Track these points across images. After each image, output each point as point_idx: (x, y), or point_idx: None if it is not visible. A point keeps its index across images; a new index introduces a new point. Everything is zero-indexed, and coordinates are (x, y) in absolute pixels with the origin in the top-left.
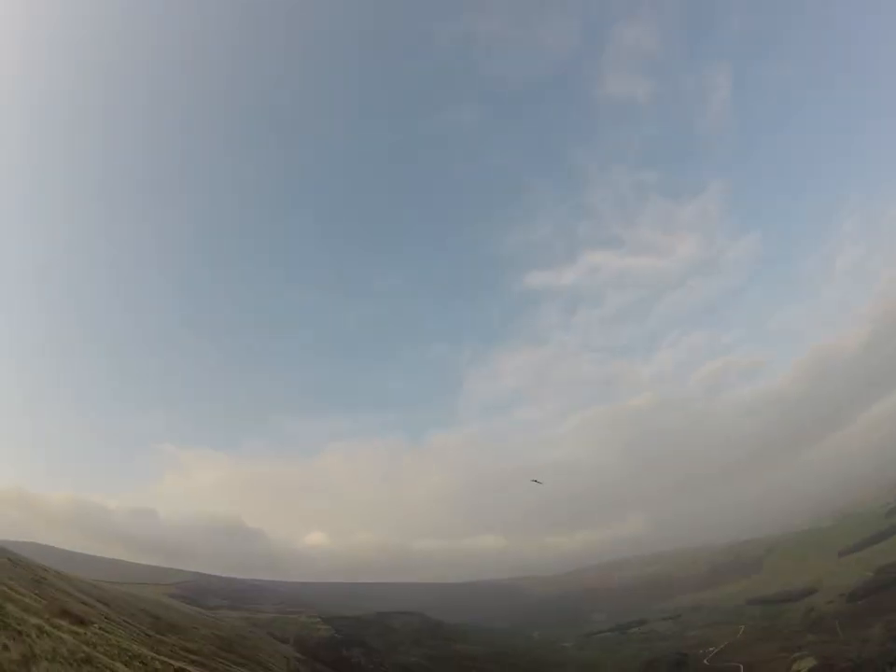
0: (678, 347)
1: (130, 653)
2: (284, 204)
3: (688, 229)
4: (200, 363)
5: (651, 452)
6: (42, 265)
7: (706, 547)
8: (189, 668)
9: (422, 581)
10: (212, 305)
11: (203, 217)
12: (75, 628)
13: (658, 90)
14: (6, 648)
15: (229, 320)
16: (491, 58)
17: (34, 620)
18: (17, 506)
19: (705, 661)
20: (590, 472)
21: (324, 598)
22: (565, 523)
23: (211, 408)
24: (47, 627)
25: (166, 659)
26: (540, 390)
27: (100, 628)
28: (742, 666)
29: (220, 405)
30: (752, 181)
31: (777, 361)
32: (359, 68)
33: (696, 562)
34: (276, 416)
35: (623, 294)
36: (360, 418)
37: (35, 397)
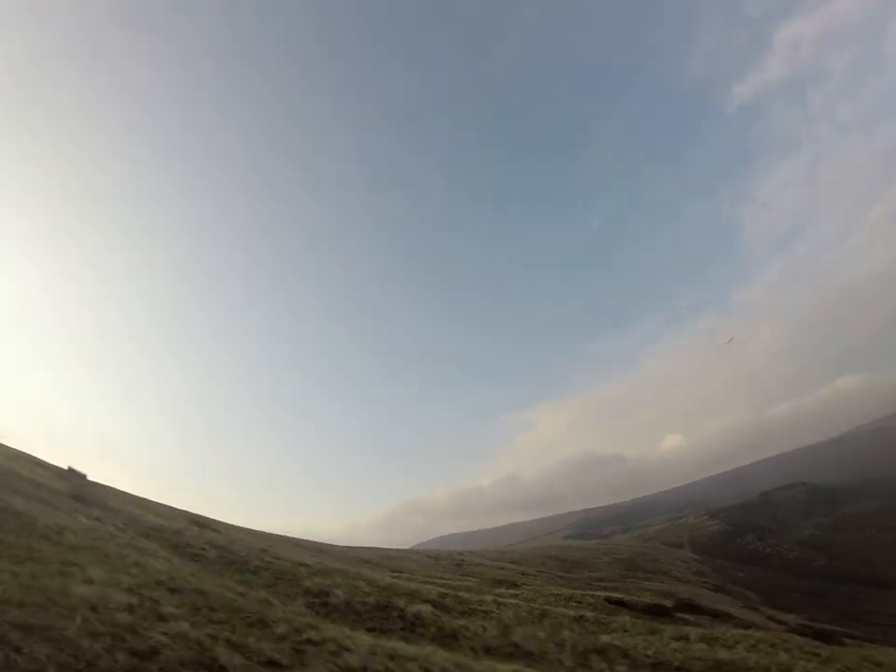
0: None
1: (563, 597)
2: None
3: None
4: (509, 335)
5: None
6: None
7: None
8: (613, 594)
9: (788, 450)
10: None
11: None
12: (512, 591)
13: None
14: (483, 629)
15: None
16: None
17: (487, 597)
18: (417, 513)
19: None
20: None
21: (701, 496)
22: None
23: (528, 368)
24: (498, 599)
25: (592, 592)
26: (821, 200)
27: (524, 584)
28: None
29: (535, 363)
30: None
31: None
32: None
33: None
34: (584, 345)
35: (841, 49)
36: (662, 315)
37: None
